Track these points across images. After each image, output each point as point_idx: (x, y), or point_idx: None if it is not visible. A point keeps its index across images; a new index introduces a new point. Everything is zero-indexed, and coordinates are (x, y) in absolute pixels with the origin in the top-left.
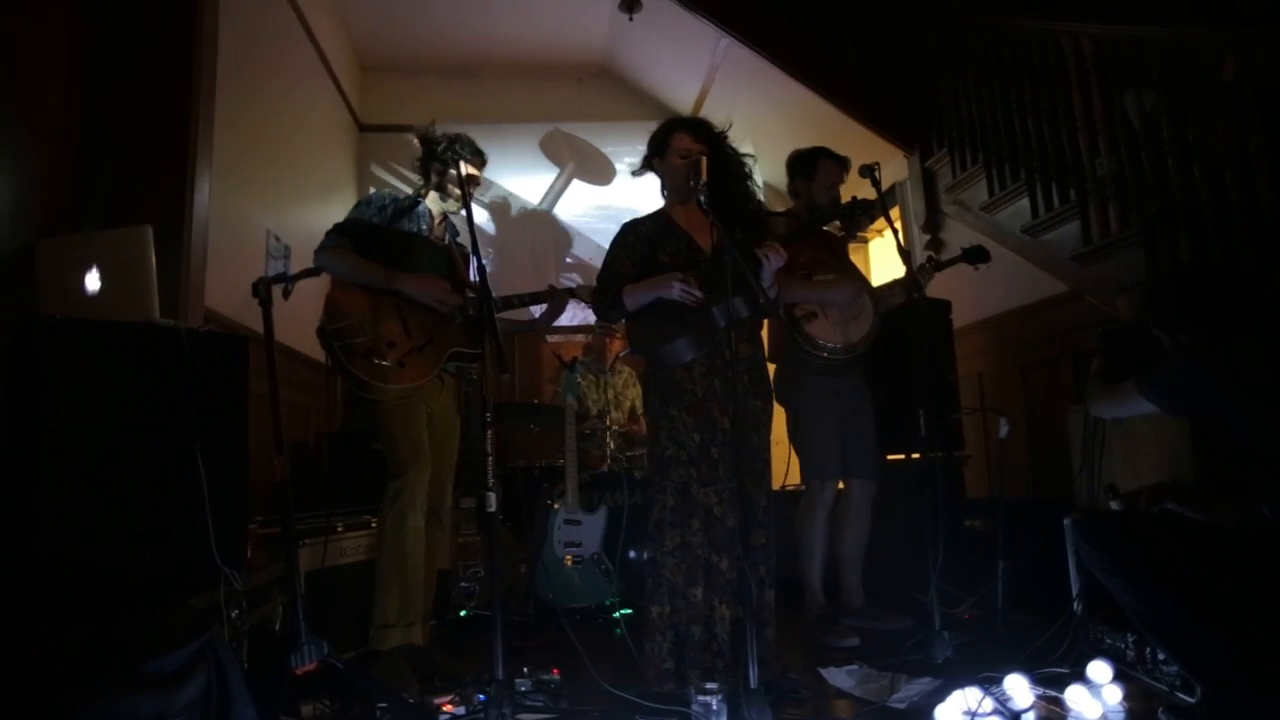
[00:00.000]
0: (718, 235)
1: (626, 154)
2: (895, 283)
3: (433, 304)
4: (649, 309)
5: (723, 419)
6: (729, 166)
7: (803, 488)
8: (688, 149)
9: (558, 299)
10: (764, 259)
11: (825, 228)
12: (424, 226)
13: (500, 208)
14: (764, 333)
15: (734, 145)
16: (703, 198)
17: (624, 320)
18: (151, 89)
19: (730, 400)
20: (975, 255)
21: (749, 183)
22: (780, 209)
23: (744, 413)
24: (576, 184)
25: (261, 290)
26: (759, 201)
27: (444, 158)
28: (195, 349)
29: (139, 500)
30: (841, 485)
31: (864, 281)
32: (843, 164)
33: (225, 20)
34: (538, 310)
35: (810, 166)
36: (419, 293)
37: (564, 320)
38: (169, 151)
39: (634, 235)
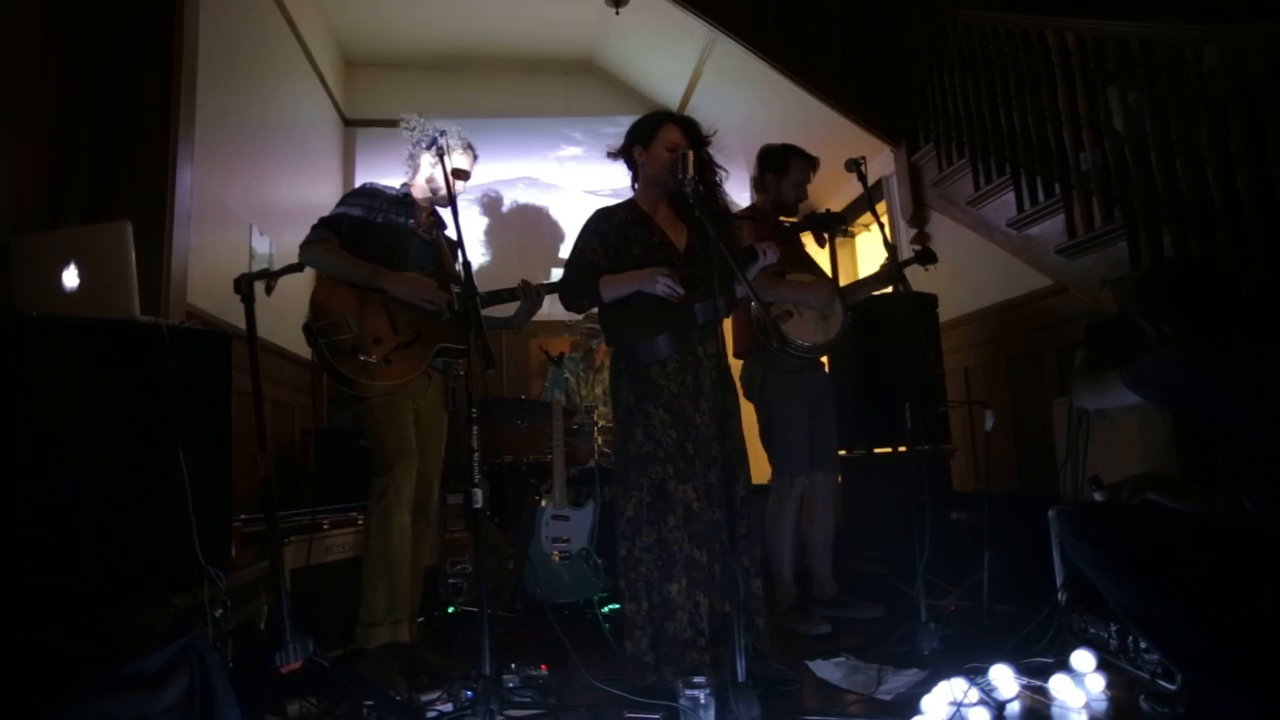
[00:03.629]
0: (704, 230)
1: (613, 148)
2: (869, 278)
3: (418, 303)
4: (626, 302)
5: (695, 415)
6: (708, 170)
7: (766, 483)
8: (676, 142)
9: (531, 296)
10: (761, 254)
11: (788, 224)
12: (411, 220)
13: (488, 202)
14: (727, 331)
15: (713, 155)
16: (688, 190)
17: (597, 311)
18: (131, 82)
19: (704, 396)
20: (924, 257)
21: (721, 189)
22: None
23: (715, 408)
24: (573, 173)
25: (244, 286)
26: (728, 208)
27: (431, 149)
28: (176, 346)
29: (120, 499)
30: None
31: (832, 280)
32: (812, 163)
33: (206, 12)
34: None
35: (782, 163)
36: (404, 292)
37: (551, 316)
38: (149, 146)
39: (606, 224)
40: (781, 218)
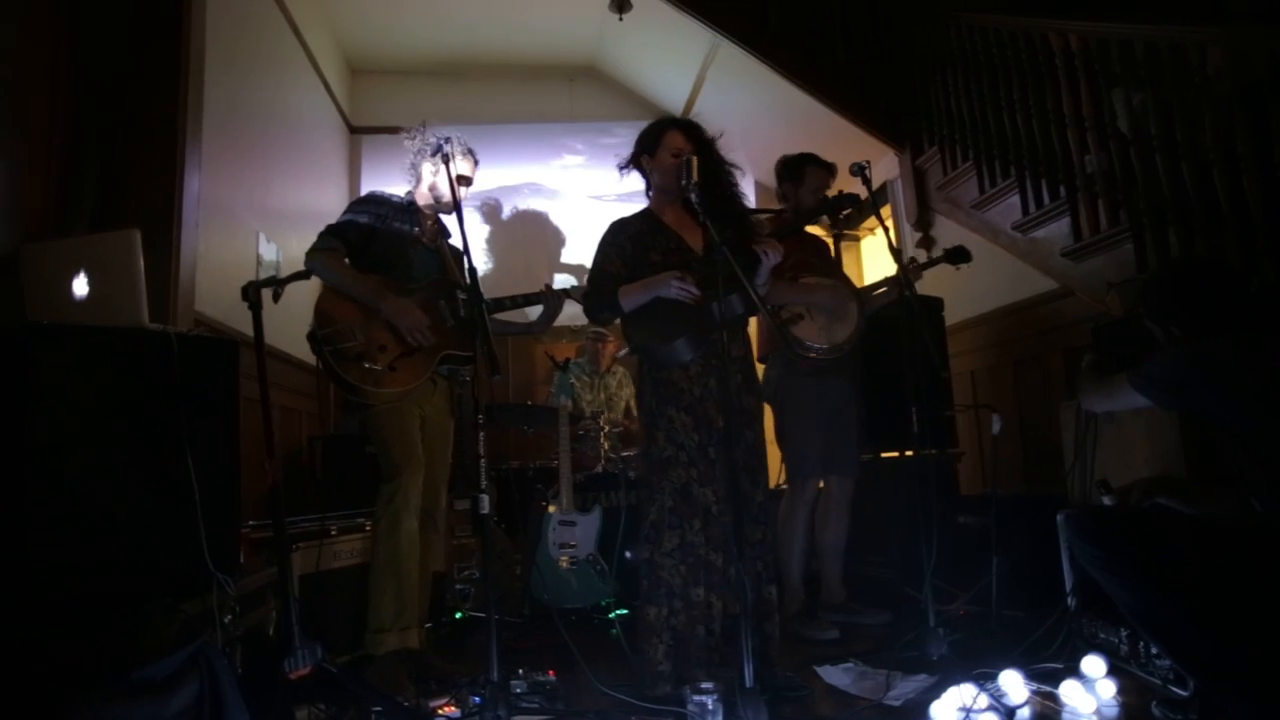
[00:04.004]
0: (708, 235)
1: (619, 154)
2: (885, 281)
3: (404, 334)
4: (645, 309)
5: (718, 418)
6: (718, 171)
7: (785, 487)
8: (680, 148)
9: (554, 300)
10: (763, 255)
11: (814, 230)
12: (416, 228)
13: (492, 209)
14: (751, 332)
15: (722, 153)
16: (693, 196)
17: (619, 321)
18: (139, 91)
19: (725, 399)
20: (956, 256)
21: (736, 189)
22: (774, 208)
23: (738, 410)
24: (577, 178)
25: (251, 294)
26: (745, 206)
27: (435, 159)
28: (185, 353)
29: (130, 506)
30: (821, 484)
31: (850, 284)
32: (829, 169)
33: (213, 22)
34: (533, 312)
35: (798, 172)
36: (396, 319)
37: (558, 321)
38: (157, 154)
39: (623, 235)
40: (804, 225)
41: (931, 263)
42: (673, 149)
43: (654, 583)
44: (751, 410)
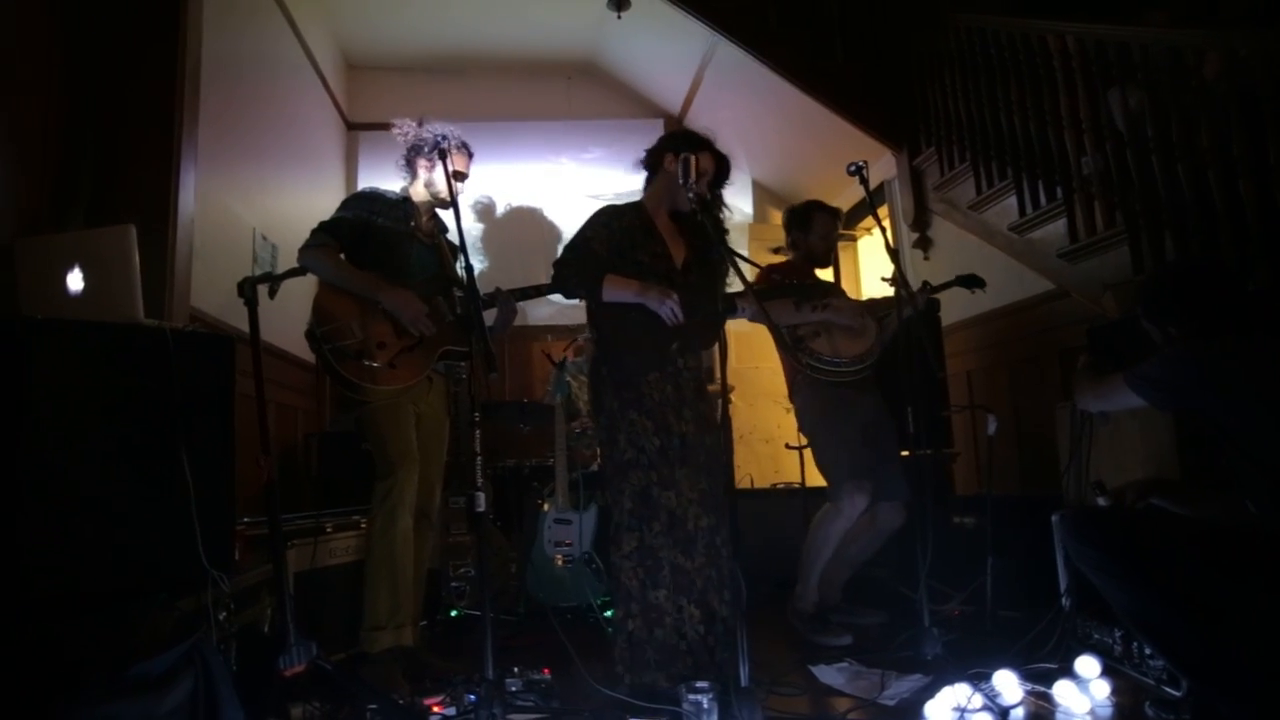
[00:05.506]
0: (706, 234)
1: (616, 152)
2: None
3: (405, 323)
4: (624, 307)
5: (678, 424)
6: (713, 206)
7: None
8: (705, 170)
9: (509, 303)
10: (737, 306)
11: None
12: (412, 224)
13: (488, 205)
14: (776, 364)
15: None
16: (692, 194)
17: (587, 303)
18: (135, 86)
19: (686, 405)
20: (970, 281)
21: (723, 224)
22: (767, 206)
23: (698, 416)
24: (575, 176)
25: (247, 290)
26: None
27: (430, 153)
28: (180, 349)
29: (124, 502)
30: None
31: (862, 304)
32: (835, 214)
33: (210, 16)
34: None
35: (806, 220)
36: (393, 308)
37: (553, 320)
38: (153, 149)
39: (616, 222)
40: (815, 269)
41: (944, 286)
42: (700, 168)
43: (615, 586)
44: (705, 416)
